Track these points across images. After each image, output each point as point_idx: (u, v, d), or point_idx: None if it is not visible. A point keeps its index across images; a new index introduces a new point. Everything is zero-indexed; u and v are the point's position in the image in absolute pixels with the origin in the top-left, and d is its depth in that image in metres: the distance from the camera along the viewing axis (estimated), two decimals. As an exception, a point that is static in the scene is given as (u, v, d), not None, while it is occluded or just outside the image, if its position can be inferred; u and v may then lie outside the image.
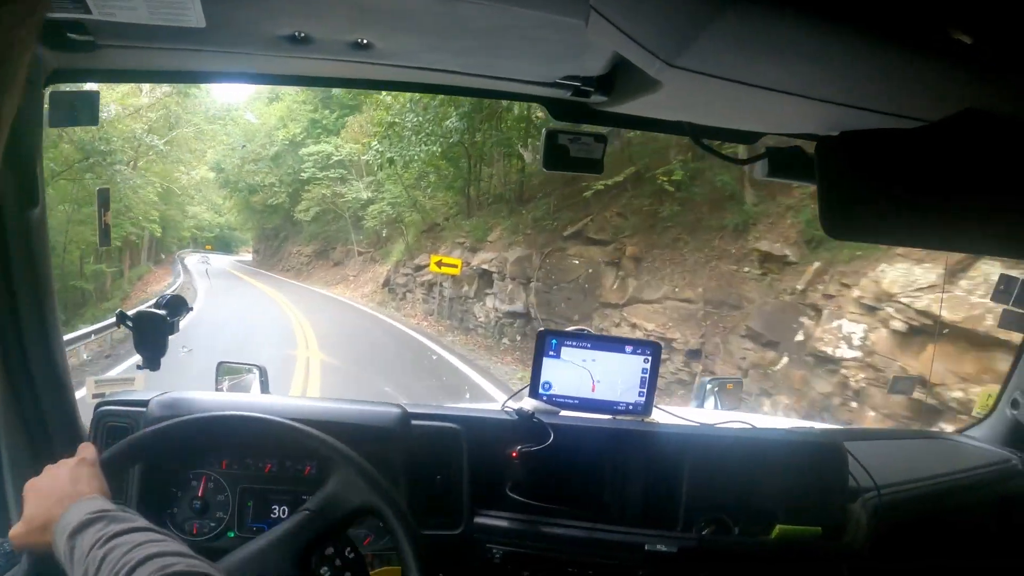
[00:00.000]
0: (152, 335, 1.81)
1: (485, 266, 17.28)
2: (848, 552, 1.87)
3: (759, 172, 1.74)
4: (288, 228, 43.25)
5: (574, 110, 1.74)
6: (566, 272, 14.60)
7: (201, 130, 37.17)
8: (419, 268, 21.51)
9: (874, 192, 1.50)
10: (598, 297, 13.54)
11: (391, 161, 22.28)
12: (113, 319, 1.88)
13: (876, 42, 1.06)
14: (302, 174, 33.93)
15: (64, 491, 1.20)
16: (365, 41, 1.40)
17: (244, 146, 42.08)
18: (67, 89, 1.63)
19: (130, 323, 1.80)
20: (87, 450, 1.30)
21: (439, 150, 20.22)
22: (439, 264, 17.16)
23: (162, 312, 1.81)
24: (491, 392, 11.16)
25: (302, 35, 1.37)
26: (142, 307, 1.90)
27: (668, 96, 1.41)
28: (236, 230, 71.58)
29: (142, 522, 1.09)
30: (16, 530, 1.21)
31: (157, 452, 1.48)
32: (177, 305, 1.85)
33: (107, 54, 1.49)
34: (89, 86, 1.94)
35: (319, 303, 25.39)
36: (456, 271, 16.98)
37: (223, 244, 79.06)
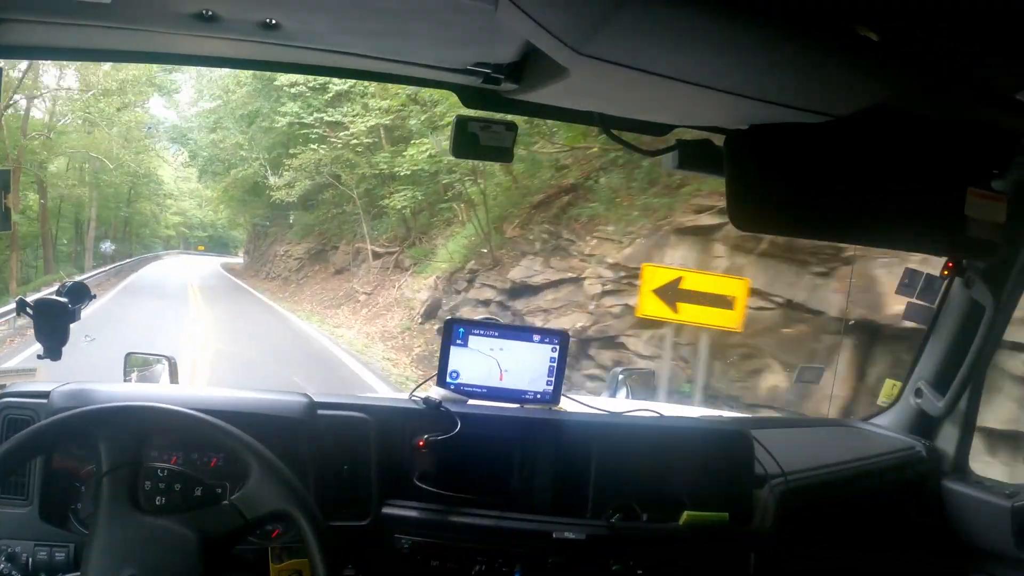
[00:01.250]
0: (53, 323, 1.76)
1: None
2: (755, 537, 1.92)
3: (669, 164, 1.75)
4: (279, 220, 32.15)
5: (484, 98, 1.74)
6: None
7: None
8: (525, 286, 11.81)
9: (781, 185, 1.53)
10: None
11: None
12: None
13: (785, 36, 1.07)
14: (278, 123, 21.27)
15: None
16: (274, 21, 1.38)
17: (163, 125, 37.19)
18: None
19: (30, 310, 1.74)
20: None
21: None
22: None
23: (63, 300, 1.75)
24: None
25: (209, 13, 1.34)
26: (43, 294, 1.86)
27: (577, 85, 1.42)
28: (234, 229, 62.77)
29: None
30: None
31: (57, 445, 1.46)
32: (80, 292, 1.80)
33: (10, 29, 1.45)
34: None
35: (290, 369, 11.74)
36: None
37: (219, 245, 72.05)
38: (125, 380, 2.15)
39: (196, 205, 62.13)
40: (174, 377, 2.16)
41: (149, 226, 53.18)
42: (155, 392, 1.88)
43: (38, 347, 1.79)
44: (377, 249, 20.15)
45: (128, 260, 37.57)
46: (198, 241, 71.71)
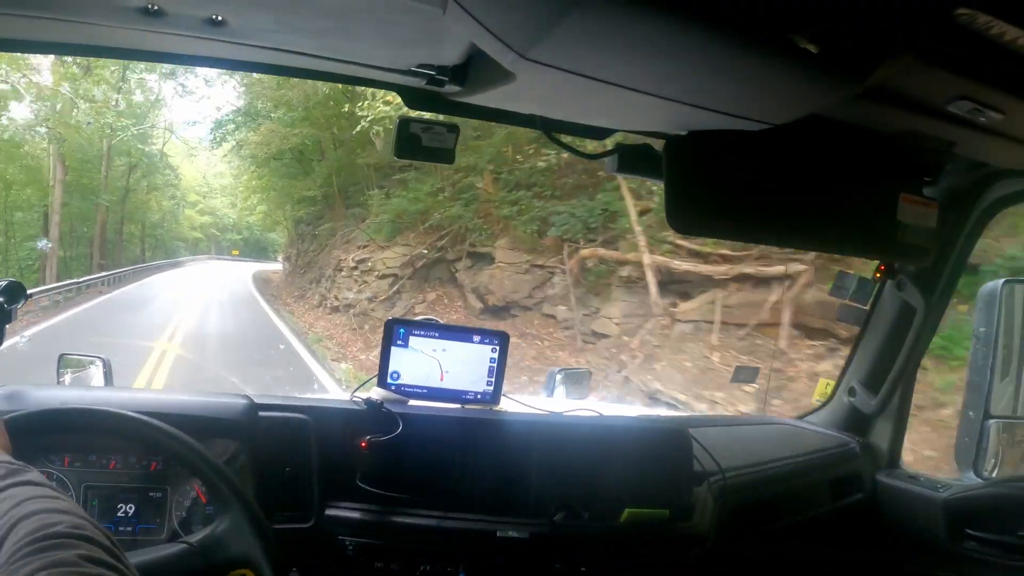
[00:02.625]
0: None
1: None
2: (695, 532, 1.95)
3: (608, 168, 1.76)
4: (334, 207, 23.99)
5: (428, 99, 1.73)
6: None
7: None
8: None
9: (719, 190, 1.55)
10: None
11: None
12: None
13: (725, 46, 1.09)
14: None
15: None
16: (219, 18, 1.35)
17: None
18: None
19: None
20: None
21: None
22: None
23: None
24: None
25: (154, 8, 1.31)
26: None
27: (521, 88, 1.42)
28: (273, 229, 53.79)
29: (37, 476, 1.05)
30: None
31: None
32: (14, 291, 1.73)
33: None
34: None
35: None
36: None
37: (255, 249, 63.30)
38: (59, 382, 2.08)
39: (229, 204, 55.87)
40: (109, 379, 2.10)
41: (165, 225, 48.62)
42: (96, 395, 1.82)
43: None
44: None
45: (127, 268, 32.00)
46: (231, 245, 64.19)
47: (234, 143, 28.84)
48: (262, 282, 34.49)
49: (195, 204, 55.22)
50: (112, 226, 35.93)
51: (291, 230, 35.11)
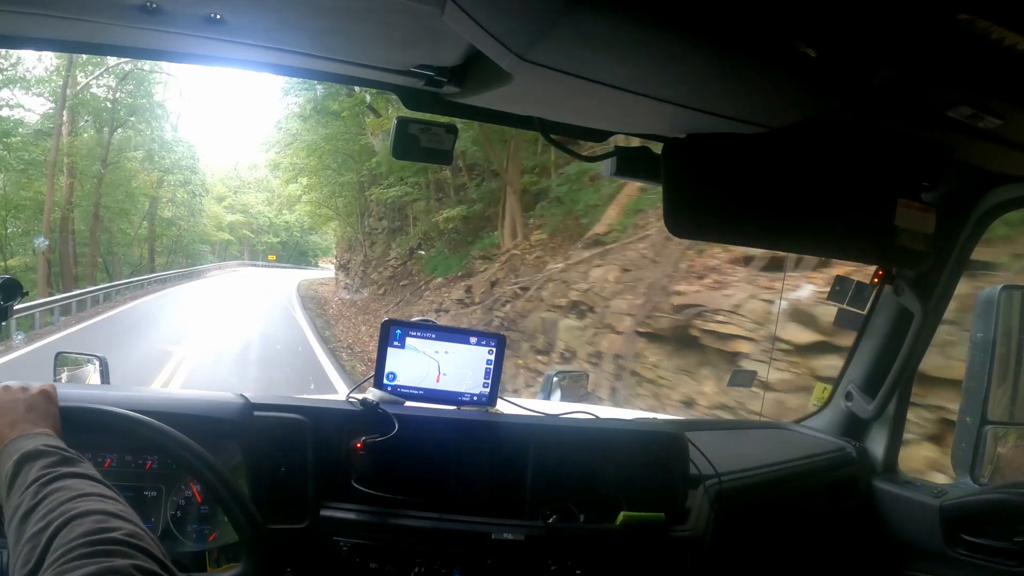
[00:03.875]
0: None
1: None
2: (691, 536, 1.94)
3: (606, 170, 1.77)
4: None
5: (426, 100, 1.73)
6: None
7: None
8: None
9: (717, 193, 1.55)
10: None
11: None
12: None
13: (725, 50, 1.09)
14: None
15: (20, 415, 1.18)
16: (218, 16, 1.35)
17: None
18: None
19: None
20: (49, 387, 1.28)
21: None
22: None
23: None
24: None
25: (153, 5, 1.31)
26: None
27: (519, 90, 1.43)
28: (323, 227, 46.56)
29: (92, 471, 1.05)
30: None
31: None
32: (10, 288, 1.74)
33: None
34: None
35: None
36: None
37: (294, 253, 56.44)
38: (55, 380, 2.08)
39: (264, 201, 49.85)
40: (105, 377, 2.09)
41: (181, 223, 41.93)
42: (94, 393, 1.81)
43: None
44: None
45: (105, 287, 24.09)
46: (267, 249, 56.08)
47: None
48: (315, 305, 26.14)
49: (222, 198, 48.99)
50: (107, 223, 32.18)
51: (355, 228, 29.26)
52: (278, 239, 56.17)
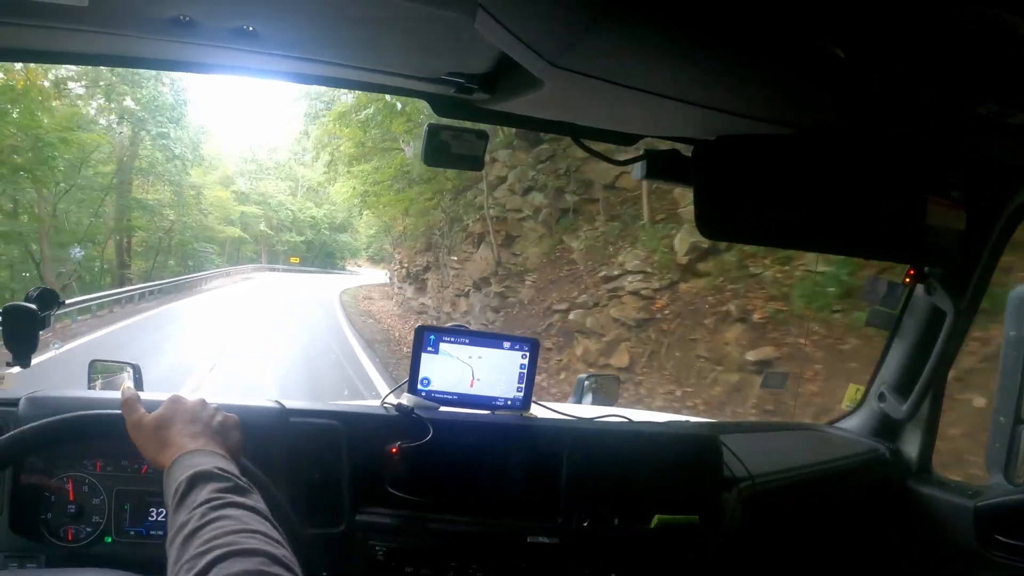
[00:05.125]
0: (22, 330, 1.73)
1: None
2: (725, 539, 1.94)
3: (637, 174, 1.78)
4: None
5: (457, 107, 1.75)
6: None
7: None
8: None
9: (748, 195, 1.56)
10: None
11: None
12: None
13: (754, 52, 1.10)
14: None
15: (200, 429, 1.20)
16: (250, 28, 1.38)
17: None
18: None
19: None
20: (235, 416, 1.31)
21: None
22: None
23: (32, 306, 1.73)
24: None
25: (186, 19, 1.34)
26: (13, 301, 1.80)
27: (550, 96, 1.44)
28: (345, 229, 41.30)
29: (262, 506, 1.04)
30: (141, 420, 1.21)
31: (27, 455, 1.44)
32: (48, 298, 1.78)
33: None
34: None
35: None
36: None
37: (321, 255, 47.78)
38: (89, 387, 2.12)
39: (287, 191, 42.61)
40: (139, 384, 2.13)
41: (170, 212, 32.14)
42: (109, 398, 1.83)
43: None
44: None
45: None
46: (289, 250, 46.64)
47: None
48: (384, 352, 15.44)
49: (229, 181, 39.11)
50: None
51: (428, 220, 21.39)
52: (302, 238, 47.19)
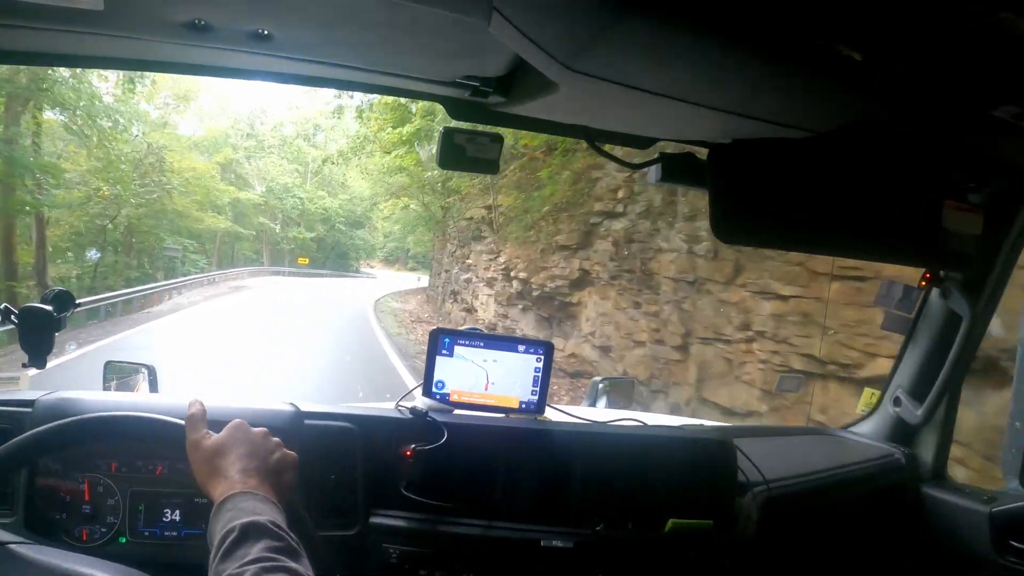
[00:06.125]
0: (38, 332, 1.73)
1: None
2: (739, 544, 1.94)
3: (652, 177, 1.78)
4: None
5: (472, 110, 1.75)
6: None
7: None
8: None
9: (763, 198, 1.55)
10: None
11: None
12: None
13: (770, 55, 1.10)
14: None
15: (257, 466, 1.17)
16: (265, 32, 1.39)
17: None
18: None
19: (14, 318, 1.72)
20: (295, 456, 1.26)
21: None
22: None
23: (48, 307, 1.74)
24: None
25: (202, 23, 1.34)
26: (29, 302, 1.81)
27: (565, 99, 1.44)
28: (363, 224, 35.60)
29: (311, 572, 1.03)
30: (201, 441, 1.20)
31: (43, 456, 1.45)
32: (64, 300, 1.79)
33: (1, 34, 1.44)
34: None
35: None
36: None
37: (333, 255, 41.70)
38: (104, 388, 2.13)
39: (294, 173, 33.76)
40: (154, 386, 2.14)
41: (155, 219, 25.31)
42: (143, 402, 1.86)
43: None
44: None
45: None
46: (296, 248, 39.42)
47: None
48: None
49: (214, 147, 31.19)
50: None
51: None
52: (312, 234, 39.09)
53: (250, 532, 1.01)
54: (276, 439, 1.27)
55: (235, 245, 37.24)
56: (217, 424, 1.35)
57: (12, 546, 1.17)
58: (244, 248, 37.58)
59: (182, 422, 1.27)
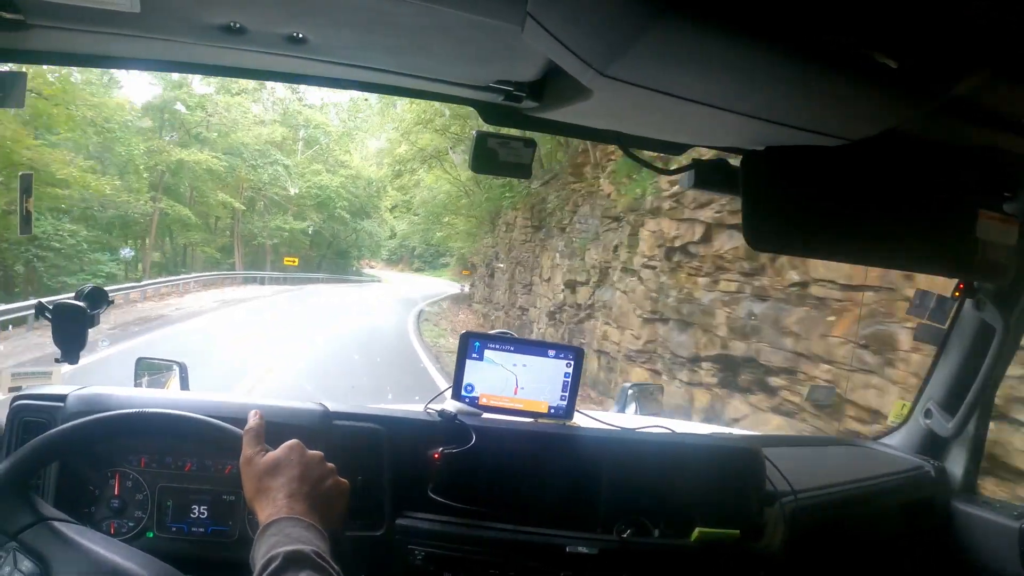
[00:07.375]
0: (71, 327, 1.76)
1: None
2: (766, 554, 1.92)
3: (685, 183, 1.78)
4: None
5: (505, 114, 1.76)
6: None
7: None
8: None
9: (796, 206, 1.55)
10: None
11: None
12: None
13: (804, 62, 1.09)
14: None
15: (307, 492, 1.17)
16: (300, 35, 1.40)
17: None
18: None
19: (48, 314, 1.75)
20: (346, 483, 1.27)
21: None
22: None
23: (82, 304, 1.77)
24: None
25: (237, 26, 1.36)
26: (62, 297, 1.86)
27: (599, 104, 1.44)
28: (370, 214, 30.08)
29: None
30: (255, 457, 1.21)
31: (74, 450, 1.47)
32: (97, 297, 1.81)
33: (37, 34, 1.45)
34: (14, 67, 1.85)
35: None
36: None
37: (330, 253, 34.48)
38: (136, 384, 2.16)
39: (277, 138, 26.86)
40: (185, 383, 2.16)
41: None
42: (174, 399, 1.88)
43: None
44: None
45: None
46: (282, 245, 31.63)
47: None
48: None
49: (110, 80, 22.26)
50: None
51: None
52: (304, 224, 31.05)
53: (294, 561, 1.01)
54: (331, 464, 1.27)
55: (193, 245, 27.37)
56: (243, 423, 1.36)
57: (55, 523, 1.20)
58: (207, 248, 27.54)
59: (241, 432, 1.29)
